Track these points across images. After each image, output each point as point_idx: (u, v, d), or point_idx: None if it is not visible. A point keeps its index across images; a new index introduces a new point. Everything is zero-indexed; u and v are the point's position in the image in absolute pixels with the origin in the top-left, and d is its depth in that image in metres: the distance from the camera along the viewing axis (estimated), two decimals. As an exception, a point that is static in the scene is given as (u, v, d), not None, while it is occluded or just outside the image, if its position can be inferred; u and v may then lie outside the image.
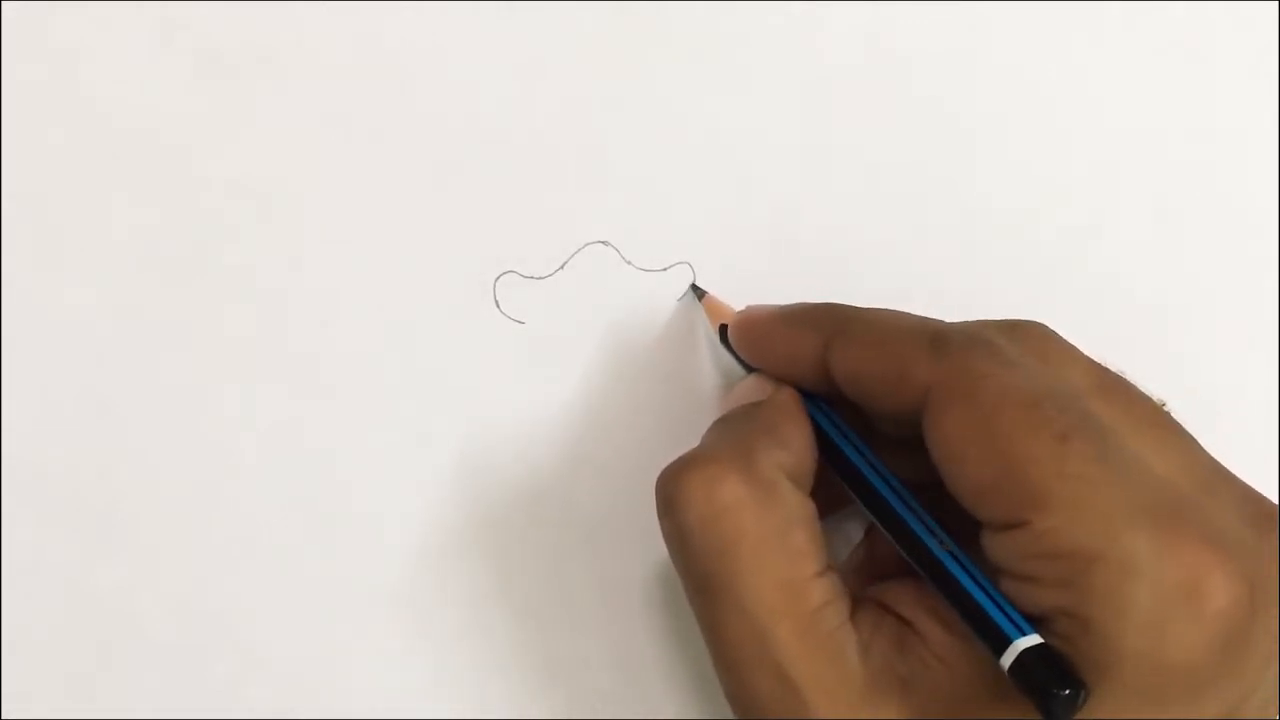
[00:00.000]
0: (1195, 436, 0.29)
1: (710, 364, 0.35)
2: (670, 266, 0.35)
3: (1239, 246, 0.36)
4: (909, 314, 0.30)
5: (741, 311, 0.33)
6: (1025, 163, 0.36)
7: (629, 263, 0.35)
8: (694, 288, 0.35)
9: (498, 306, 0.34)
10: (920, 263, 0.35)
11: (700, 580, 0.28)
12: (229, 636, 0.34)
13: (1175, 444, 0.28)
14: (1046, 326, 0.30)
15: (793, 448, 0.30)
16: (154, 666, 0.33)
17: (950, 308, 0.35)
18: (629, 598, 0.34)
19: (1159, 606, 0.25)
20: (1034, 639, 0.26)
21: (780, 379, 0.31)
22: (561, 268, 0.35)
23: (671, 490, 0.28)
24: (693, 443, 0.31)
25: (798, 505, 0.29)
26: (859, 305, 0.31)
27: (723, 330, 0.33)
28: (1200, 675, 0.25)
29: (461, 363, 0.34)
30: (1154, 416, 0.29)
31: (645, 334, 0.35)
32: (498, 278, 0.34)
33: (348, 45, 0.34)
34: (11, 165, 0.33)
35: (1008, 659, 0.26)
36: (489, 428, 0.34)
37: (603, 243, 0.35)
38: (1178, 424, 0.29)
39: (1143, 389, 0.32)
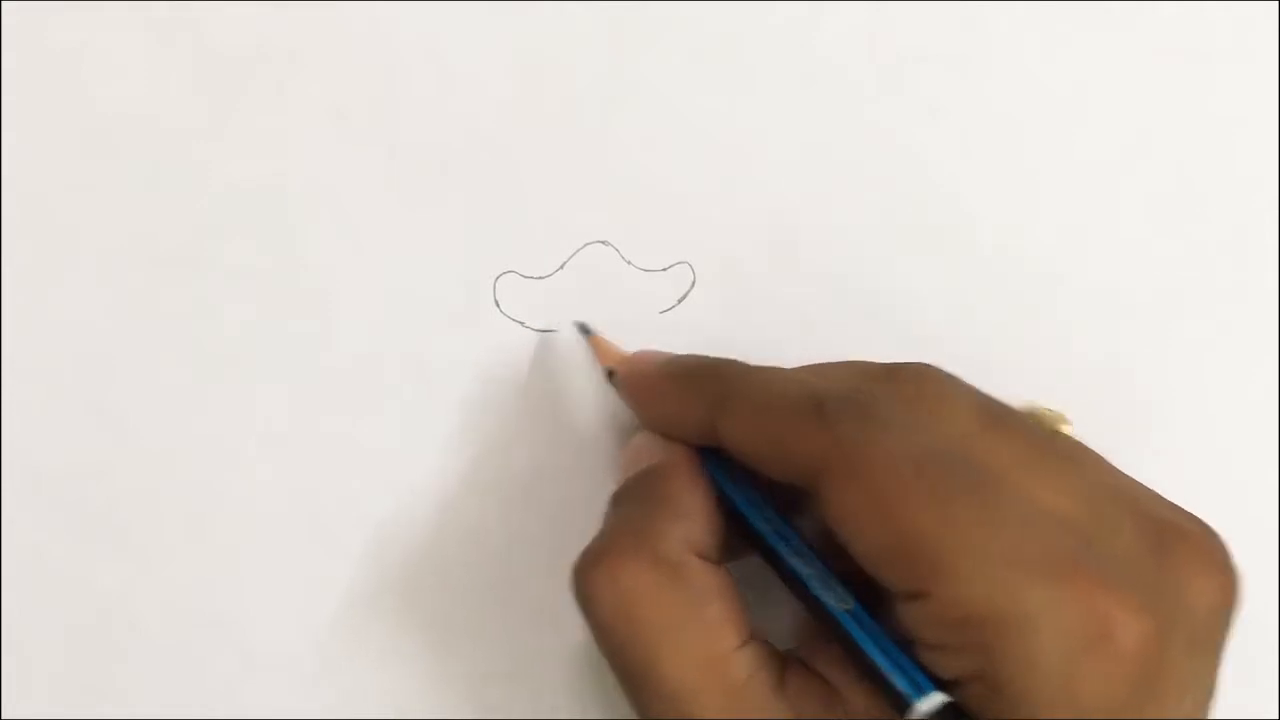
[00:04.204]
0: (1096, 454, 0.29)
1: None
2: (670, 266, 0.35)
3: (1239, 246, 0.36)
4: (793, 378, 0.29)
5: (628, 360, 0.32)
6: (1025, 162, 0.36)
7: (629, 263, 0.35)
8: (579, 326, 0.34)
9: (498, 306, 0.34)
10: (920, 263, 0.35)
11: (624, 672, 0.28)
12: (229, 636, 0.34)
13: (1069, 473, 0.27)
14: (928, 367, 0.29)
15: (695, 519, 0.29)
16: (154, 666, 0.34)
17: (949, 307, 0.35)
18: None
19: (1067, 657, 0.25)
20: (937, 698, 0.26)
21: (672, 438, 0.31)
22: (561, 268, 0.35)
23: (581, 589, 0.28)
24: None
25: (709, 579, 0.28)
26: (746, 365, 0.30)
27: (610, 373, 0.32)
28: (1120, 716, 0.25)
29: (461, 363, 0.34)
30: (1046, 446, 0.28)
31: (645, 334, 0.35)
32: (498, 278, 0.34)
33: (348, 45, 0.34)
34: (11, 165, 0.33)
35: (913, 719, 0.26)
36: (489, 427, 0.34)
37: (603, 243, 0.35)
38: (1072, 448, 0.29)
39: (1038, 410, 0.31)
